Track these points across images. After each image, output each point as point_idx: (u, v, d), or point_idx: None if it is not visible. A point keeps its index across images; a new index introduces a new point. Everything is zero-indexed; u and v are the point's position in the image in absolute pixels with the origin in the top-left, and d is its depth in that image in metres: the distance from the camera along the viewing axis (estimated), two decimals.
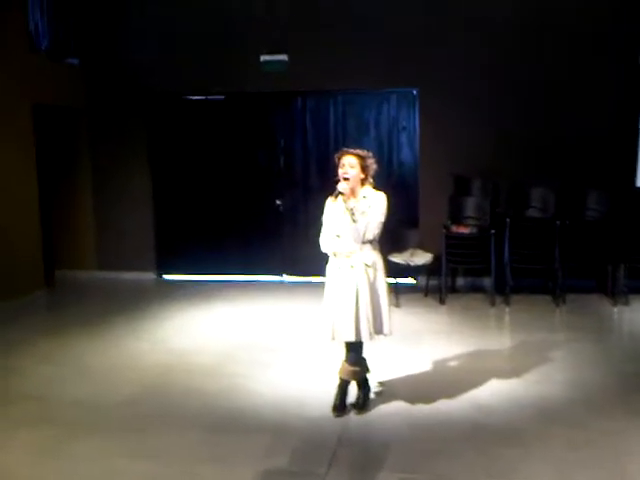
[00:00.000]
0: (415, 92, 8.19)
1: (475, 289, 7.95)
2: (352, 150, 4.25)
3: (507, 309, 7.13)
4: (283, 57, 8.36)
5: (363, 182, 4.27)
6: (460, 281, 8.18)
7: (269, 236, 8.77)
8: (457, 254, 7.38)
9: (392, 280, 7.27)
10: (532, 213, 7.53)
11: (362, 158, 4.22)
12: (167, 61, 8.56)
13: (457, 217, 7.62)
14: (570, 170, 7.73)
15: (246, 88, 8.50)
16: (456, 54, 7.91)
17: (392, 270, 7.31)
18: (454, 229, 7.44)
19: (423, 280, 7.85)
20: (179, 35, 8.49)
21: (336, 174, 4.25)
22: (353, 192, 4.22)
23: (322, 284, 4.38)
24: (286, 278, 8.76)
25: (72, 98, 8.71)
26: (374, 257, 4.24)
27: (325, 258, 4.38)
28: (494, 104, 7.89)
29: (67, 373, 5.31)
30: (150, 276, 8.98)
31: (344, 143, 8.38)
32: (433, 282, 7.64)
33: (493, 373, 5.08)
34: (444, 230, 7.36)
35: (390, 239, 7.97)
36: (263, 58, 8.37)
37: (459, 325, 6.54)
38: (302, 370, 5.28)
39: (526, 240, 7.22)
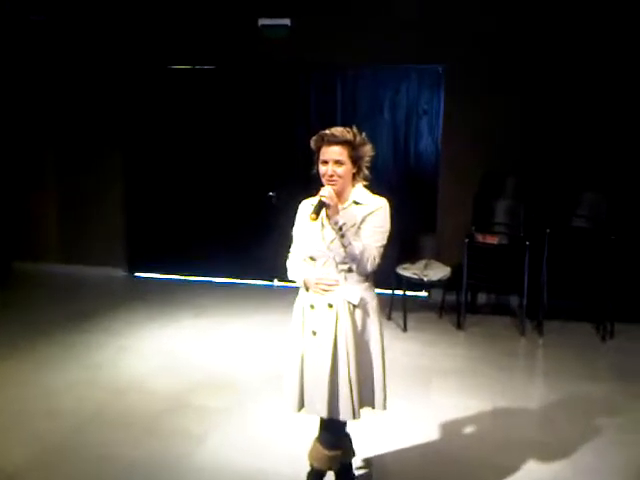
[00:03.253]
0: (441, 70, 6.79)
1: (500, 309, 6.59)
2: (337, 134, 2.83)
3: (540, 341, 5.76)
4: (285, 21, 7.08)
5: (354, 178, 2.92)
6: (482, 298, 6.82)
7: (260, 233, 7.44)
8: (481, 269, 6.03)
9: (399, 292, 5.99)
10: (578, 223, 6.08)
11: (352, 146, 2.84)
12: (149, 24, 7.24)
13: (483, 223, 6.24)
14: (629, 174, 6.31)
15: (240, 57, 7.16)
16: (492, 26, 6.49)
17: (399, 282, 6.04)
18: (479, 238, 6.07)
19: (438, 294, 6.51)
20: None
21: (314, 169, 2.91)
22: (339, 195, 2.88)
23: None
24: (277, 283, 7.46)
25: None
26: (363, 293, 2.88)
27: None
28: (536, 88, 6.47)
29: None
30: (119, 273, 7.72)
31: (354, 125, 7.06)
32: (450, 297, 6.29)
33: (527, 450, 3.72)
34: (466, 239, 5.98)
35: (400, 247, 6.68)
36: (262, 22, 7.11)
37: (479, 362, 5.17)
38: (269, 429, 3.96)
39: (570, 255, 5.84)
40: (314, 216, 2.70)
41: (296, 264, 2.99)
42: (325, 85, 7.15)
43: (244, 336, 5.67)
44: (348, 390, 2.81)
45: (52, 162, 7.69)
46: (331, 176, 2.81)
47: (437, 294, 6.55)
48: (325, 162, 2.83)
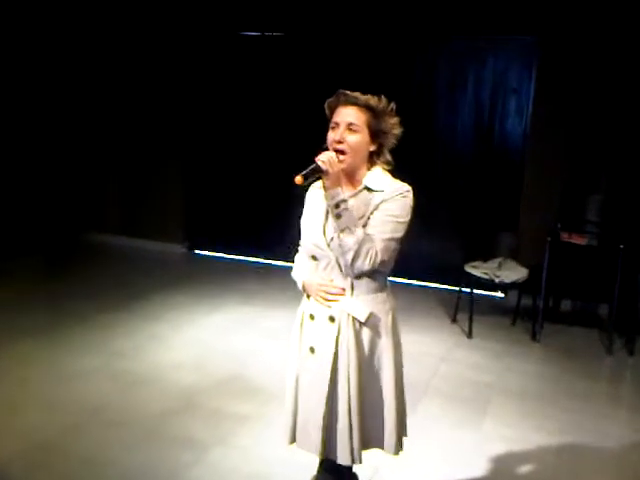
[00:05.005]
0: (534, 42, 5.94)
1: (585, 319, 5.74)
2: (356, 95, 2.22)
3: (630, 361, 4.92)
4: None
5: (372, 159, 2.27)
6: (565, 305, 5.98)
7: None
8: (565, 273, 5.23)
9: (466, 290, 5.28)
10: None
11: (374, 112, 2.21)
12: None
13: (571, 221, 5.41)
14: None
15: (309, 24, 6.56)
16: None
17: (468, 281, 5.32)
18: (564, 237, 5.24)
19: (513, 296, 5.74)
20: None
21: (324, 140, 2.27)
22: (349, 177, 2.25)
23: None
24: None
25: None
26: (374, 307, 2.24)
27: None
28: None
29: None
30: (179, 249, 7.37)
31: (430, 104, 6.36)
32: (526, 301, 5.51)
33: None
34: (549, 238, 5.17)
35: (472, 241, 5.94)
36: None
37: (551, 384, 4.40)
38: (283, 448, 3.39)
39: None
40: (300, 178, 2.10)
41: (300, 261, 2.40)
42: (399, 57, 6.45)
43: (287, 330, 5.12)
44: (347, 426, 2.20)
45: (116, 138, 7.42)
46: (339, 142, 2.17)
47: (515, 296, 5.76)
48: (336, 126, 2.20)
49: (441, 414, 3.83)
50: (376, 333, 2.24)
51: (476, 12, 5.92)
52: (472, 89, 6.25)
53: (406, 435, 2.44)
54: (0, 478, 2.97)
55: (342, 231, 2.11)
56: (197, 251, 7.39)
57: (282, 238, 6.82)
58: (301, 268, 2.37)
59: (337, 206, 2.11)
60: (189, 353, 4.56)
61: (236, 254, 7.17)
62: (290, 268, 2.46)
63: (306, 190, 2.37)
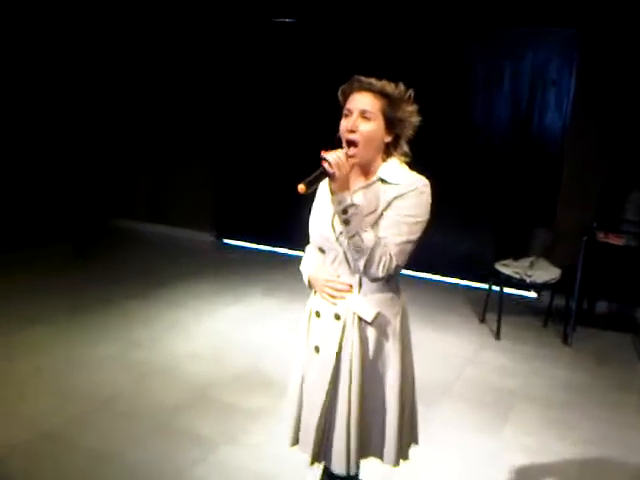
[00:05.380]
0: (575, 33, 5.70)
1: (621, 323, 5.50)
2: (371, 81, 2.06)
3: None
4: None
5: (388, 151, 2.11)
6: (600, 307, 5.75)
7: None
8: (600, 274, 5.01)
9: (496, 289, 5.11)
10: None
11: (389, 99, 2.05)
12: None
13: (608, 219, 5.18)
14: None
15: (343, 11, 6.41)
16: None
17: (497, 279, 5.14)
18: (601, 237, 5.01)
19: (547, 297, 5.53)
20: None
21: (336, 131, 2.12)
22: (363, 169, 2.11)
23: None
24: None
25: None
26: (382, 307, 2.10)
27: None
28: None
29: None
30: (208, 237, 7.33)
31: (467, 96, 6.16)
32: (559, 302, 5.30)
33: None
34: (585, 237, 4.95)
35: (503, 238, 5.75)
36: None
37: (580, 392, 4.20)
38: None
39: None
40: (303, 187, 1.96)
41: (308, 254, 2.29)
42: (436, 48, 6.26)
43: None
44: (344, 432, 2.08)
45: (147, 127, 7.41)
46: (351, 131, 2.02)
47: (548, 297, 5.54)
48: (349, 113, 2.06)
49: (461, 418, 3.69)
50: (383, 335, 2.10)
51: (516, 3, 5.70)
52: (510, 81, 6.03)
53: (416, 443, 2.32)
54: (3, 465, 2.93)
55: (351, 237, 1.97)
56: (225, 240, 7.33)
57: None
58: (309, 261, 2.25)
59: (345, 211, 1.96)
60: (207, 344, 4.50)
61: (264, 244, 7.09)
62: None
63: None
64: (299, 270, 2.29)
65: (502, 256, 5.27)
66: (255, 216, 7.17)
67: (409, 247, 2.02)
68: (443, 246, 5.91)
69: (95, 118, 7.37)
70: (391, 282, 2.11)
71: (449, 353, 4.64)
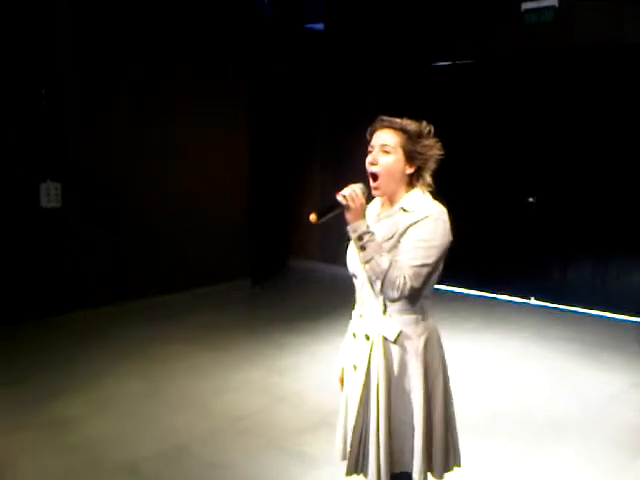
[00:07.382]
0: None
1: None
2: (392, 119, 2.23)
3: None
4: (551, 2, 6.19)
5: (411, 181, 2.25)
6: None
7: (516, 243, 6.64)
8: None
9: None
10: None
11: (408, 135, 2.20)
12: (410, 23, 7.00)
13: None
14: None
15: (499, 47, 6.46)
16: None
17: None
18: None
19: None
20: None
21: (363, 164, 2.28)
22: (390, 200, 2.26)
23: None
24: (534, 301, 6.57)
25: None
26: (405, 327, 2.20)
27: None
28: None
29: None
30: None
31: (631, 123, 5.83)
32: None
33: None
34: None
35: None
36: (525, 6, 6.33)
37: None
38: None
39: None
40: (314, 216, 2.15)
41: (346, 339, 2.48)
42: (601, 71, 6.03)
43: (471, 360, 5.03)
44: (374, 444, 2.19)
45: (318, 166, 8.00)
46: (372, 164, 2.21)
47: None
48: (372, 149, 2.25)
49: (581, 456, 3.49)
50: (406, 354, 2.20)
51: None
52: None
53: (459, 465, 2.33)
54: (133, 473, 3.38)
55: (368, 262, 2.13)
56: None
57: (475, 265, 6.72)
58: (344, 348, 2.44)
59: (360, 238, 2.14)
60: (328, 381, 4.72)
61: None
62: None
63: None
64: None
65: None
66: None
67: (424, 270, 2.13)
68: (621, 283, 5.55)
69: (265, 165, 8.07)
70: (416, 305, 2.21)
71: (592, 387, 4.42)
